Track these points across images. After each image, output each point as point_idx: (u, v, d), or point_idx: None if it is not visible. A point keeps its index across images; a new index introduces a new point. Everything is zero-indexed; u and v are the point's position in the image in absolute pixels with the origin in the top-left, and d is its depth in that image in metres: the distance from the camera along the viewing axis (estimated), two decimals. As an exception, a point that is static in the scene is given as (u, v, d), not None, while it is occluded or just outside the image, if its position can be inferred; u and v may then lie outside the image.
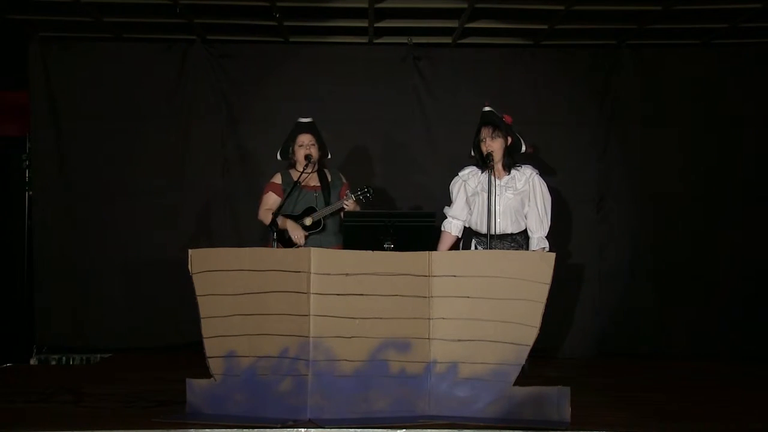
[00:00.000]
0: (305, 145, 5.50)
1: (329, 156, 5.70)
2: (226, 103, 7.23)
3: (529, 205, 5.19)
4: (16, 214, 7.27)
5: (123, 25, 7.04)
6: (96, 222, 7.13)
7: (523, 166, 5.22)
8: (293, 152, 5.54)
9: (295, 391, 4.29)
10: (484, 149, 5.10)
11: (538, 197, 5.19)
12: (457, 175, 5.27)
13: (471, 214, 5.23)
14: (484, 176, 5.12)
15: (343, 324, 4.32)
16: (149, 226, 7.14)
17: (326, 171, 5.65)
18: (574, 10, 6.52)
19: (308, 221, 5.44)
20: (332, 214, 5.50)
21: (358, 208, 5.40)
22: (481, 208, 5.13)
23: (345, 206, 5.37)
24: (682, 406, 4.90)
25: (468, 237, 5.25)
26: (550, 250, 5.03)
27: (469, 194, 5.20)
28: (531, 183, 5.18)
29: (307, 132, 5.53)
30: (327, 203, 5.48)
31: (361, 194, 5.37)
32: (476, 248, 5.20)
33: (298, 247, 5.35)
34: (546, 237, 5.22)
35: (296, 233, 5.38)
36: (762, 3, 6.32)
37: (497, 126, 5.11)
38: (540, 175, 5.24)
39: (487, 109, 5.16)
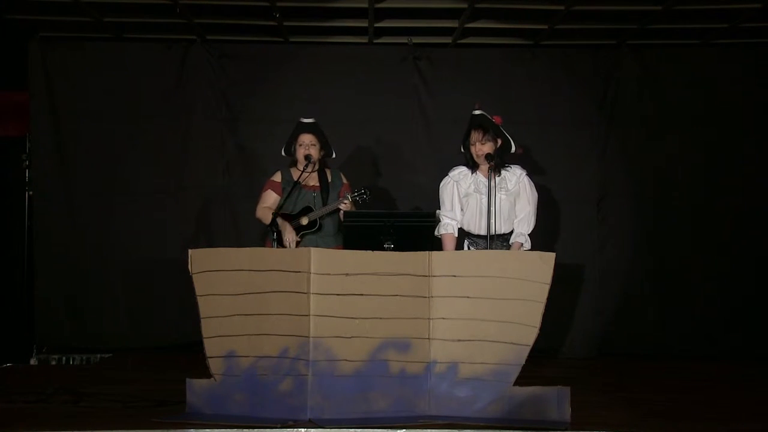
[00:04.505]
0: (305, 145, 5.52)
1: (333, 155, 5.70)
2: (226, 103, 7.23)
3: (519, 205, 5.21)
4: (16, 214, 7.26)
5: (123, 25, 7.04)
6: (96, 222, 7.12)
7: (512, 166, 5.25)
8: (294, 151, 5.56)
9: (295, 391, 4.29)
10: (474, 152, 5.12)
11: (528, 197, 5.22)
12: (447, 175, 5.27)
13: (464, 215, 5.23)
14: (476, 177, 5.15)
15: (343, 324, 4.32)
16: (149, 226, 7.13)
17: (327, 171, 5.65)
18: (574, 10, 6.52)
19: (304, 221, 5.44)
20: (330, 216, 5.50)
21: (354, 210, 5.41)
22: (475, 209, 5.15)
23: (341, 207, 5.37)
24: (682, 406, 4.91)
25: (460, 238, 5.25)
26: (533, 249, 5.05)
27: (462, 195, 5.21)
28: (521, 183, 5.21)
29: (308, 132, 5.55)
30: (325, 203, 5.48)
31: (357, 196, 5.36)
32: (468, 249, 5.21)
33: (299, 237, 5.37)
34: (528, 235, 5.22)
35: (288, 236, 5.38)
36: (762, 3, 6.32)
37: (487, 129, 5.12)
38: (528, 174, 5.27)
39: (477, 112, 5.16)
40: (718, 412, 4.70)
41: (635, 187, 7.20)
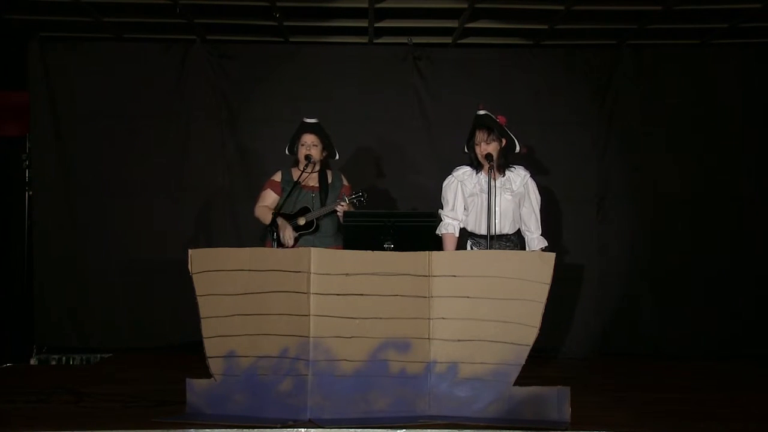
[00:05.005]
0: (307, 145, 5.52)
1: (337, 156, 5.69)
2: (226, 103, 7.23)
3: (525, 206, 5.19)
4: (16, 214, 7.26)
5: (123, 25, 7.04)
6: (96, 222, 7.12)
7: (516, 166, 5.23)
8: (297, 150, 5.57)
9: (295, 391, 4.29)
10: (479, 152, 5.11)
11: (533, 198, 5.21)
12: (451, 174, 5.26)
13: (467, 215, 5.22)
14: (481, 177, 5.13)
15: (343, 324, 4.32)
16: (149, 226, 7.13)
17: (329, 172, 5.65)
18: (574, 10, 6.52)
19: (301, 221, 5.45)
20: (330, 216, 5.49)
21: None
22: (479, 209, 5.13)
23: (337, 209, 5.37)
24: (682, 406, 4.91)
25: (463, 238, 5.24)
26: (549, 250, 5.03)
27: (467, 195, 5.19)
28: (526, 184, 5.19)
29: (310, 132, 5.54)
30: (323, 204, 5.48)
31: (355, 198, 5.36)
32: (472, 249, 5.19)
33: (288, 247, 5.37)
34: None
35: (286, 233, 5.39)
36: (762, 3, 6.32)
37: (491, 130, 5.11)
38: (532, 176, 5.26)
39: (481, 112, 5.14)
40: (718, 412, 4.69)
41: (635, 187, 7.20)
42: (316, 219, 5.45)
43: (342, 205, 5.35)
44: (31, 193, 7.18)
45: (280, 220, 5.39)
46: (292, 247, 5.40)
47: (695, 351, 6.99)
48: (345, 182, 5.65)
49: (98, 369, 6.56)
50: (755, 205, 7.14)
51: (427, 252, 4.41)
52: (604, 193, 7.19)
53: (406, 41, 7.20)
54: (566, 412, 4.20)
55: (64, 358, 6.96)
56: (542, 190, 5.33)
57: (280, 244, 5.35)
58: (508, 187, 5.16)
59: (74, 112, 7.16)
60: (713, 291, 7.09)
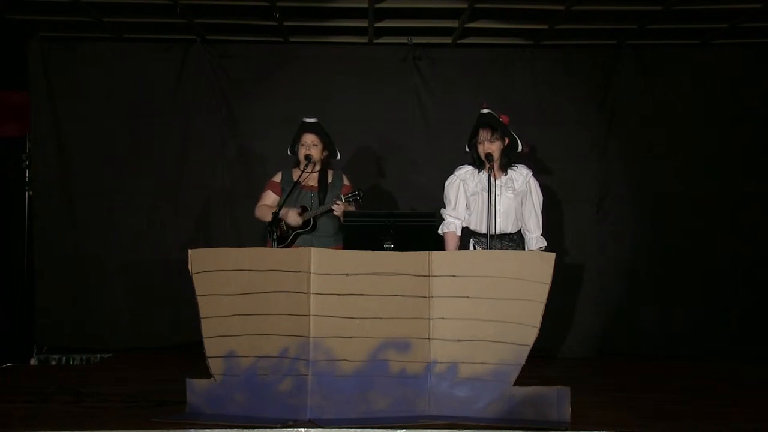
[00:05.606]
0: (306, 144, 5.52)
1: (338, 156, 5.69)
2: (226, 103, 7.23)
3: (526, 205, 5.19)
4: (16, 214, 7.26)
5: (123, 25, 7.04)
6: (96, 222, 7.13)
7: (518, 166, 5.23)
8: (297, 150, 5.57)
9: (295, 391, 4.29)
10: (482, 151, 5.09)
11: (534, 197, 5.20)
12: (453, 174, 5.25)
13: (470, 214, 5.21)
14: (483, 176, 5.11)
15: (343, 324, 4.32)
16: (149, 226, 7.14)
17: (329, 172, 5.64)
18: (574, 10, 6.52)
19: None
20: (329, 216, 5.48)
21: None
22: (481, 208, 5.12)
23: (333, 209, 5.36)
24: (682, 406, 4.91)
25: (466, 237, 5.24)
26: (548, 249, 5.03)
27: (469, 194, 5.19)
28: (528, 183, 5.18)
29: (309, 132, 5.54)
30: (322, 204, 5.48)
31: (351, 197, 5.36)
32: (474, 248, 5.19)
33: (292, 237, 5.36)
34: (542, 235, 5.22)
35: (290, 216, 5.39)
36: (762, 3, 6.32)
37: (495, 128, 5.10)
38: (534, 175, 5.25)
39: (485, 111, 5.13)
40: (718, 412, 4.70)
41: (635, 187, 7.20)
42: (314, 218, 5.45)
43: (338, 204, 5.34)
44: (31, 193, 7.18)
45: (282, 210, 5.38)
46: (294, 231, 5.40)
47: (695, 351, 6.99)
48: (346, 182, 5.64)
49: (98, 369, 6.56)
50: (755, 204, 7.14)
51: (427, 252, 4.41)
52: (604, 193, 7.19)
53: (406, 41, 7.20)
54: (566, 412, 4.21)
55: (64, 358, 6.96)
56: (543, 189, 5.33)
57: (280, 243, 5.35)
58: (510, 186, 5.15)
59: (74, 112, 7.16)
60: (713, 290, 7.09)
